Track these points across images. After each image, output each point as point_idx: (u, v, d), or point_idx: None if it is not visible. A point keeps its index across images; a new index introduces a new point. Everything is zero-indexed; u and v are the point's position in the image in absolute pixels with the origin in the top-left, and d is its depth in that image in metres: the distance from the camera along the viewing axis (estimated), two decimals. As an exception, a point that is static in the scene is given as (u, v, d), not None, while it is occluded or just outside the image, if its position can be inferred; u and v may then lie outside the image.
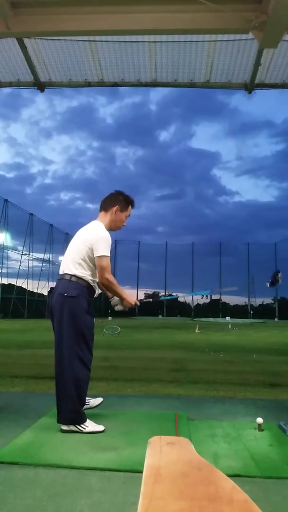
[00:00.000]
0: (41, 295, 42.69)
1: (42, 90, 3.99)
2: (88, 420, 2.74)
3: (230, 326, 26.46)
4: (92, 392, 3.42)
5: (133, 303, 2.95)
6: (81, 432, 2.66)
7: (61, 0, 2.66)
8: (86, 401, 3.02)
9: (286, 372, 5.83)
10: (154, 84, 3.93)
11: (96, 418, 2.96)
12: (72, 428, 2.68)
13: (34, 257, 41.24)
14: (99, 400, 3.08)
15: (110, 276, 2.81)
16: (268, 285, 3.26)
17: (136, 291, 59.78)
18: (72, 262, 2.84)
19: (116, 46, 3.61)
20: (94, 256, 2.79)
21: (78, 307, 2.75)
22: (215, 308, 57.56)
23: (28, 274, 39.99)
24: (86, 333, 2.78)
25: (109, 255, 2.82)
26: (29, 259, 40.16)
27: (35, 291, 42.38)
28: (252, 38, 3.15)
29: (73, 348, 2.72)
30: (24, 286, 39.67)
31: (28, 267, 40.16)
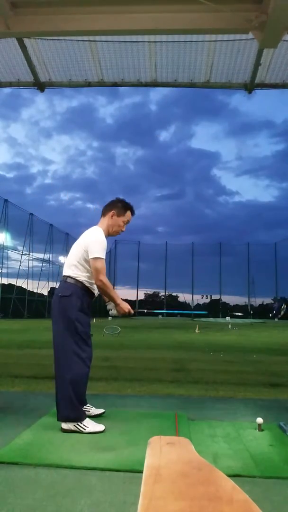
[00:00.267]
0: (41, 295, 42.74)
1: (42, 90, 3.99)
2: (88, 420, 2.74)
3: (230, 326, 26.46)
4: (92, 392, 3.42)
5: (127, 310, 2.97)
6: (81, 432, 2.66)
7: (61, 0, 2.66)
8: (88, 407, 3.04)
9: (286, 372, 5.84)
10: (154, 84, 3.93)
11: (96, 418, 2.96)
12: (71, 427, 2.68)
13: (34, 257, 41.26)
14: (100, 410, 3.08)
15: (104, 278, 2.85)
16: (270, 315, 3.25)
17: (136, 291, 59.88)
18: (69, 265, 2.98)
19: (116, 46, 3.61)
20: (89, 258, 2.87)
21: (70, 305, 2.82)
22: (215, 308, 57.58)
23: (28, 274, 40.03)
24: (80, 329, 2.80)
25: (103, 257, 2.88)
26: (29, 259, 40.19)
27: (35, 291, 42.42)
28: (252, 38, 3.15)
29: (69, 345, 2.76)
30: (24, 286, 39.73)
31: (28, 267, 40.19)
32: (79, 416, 2.71)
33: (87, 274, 2.91)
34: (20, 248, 38.96)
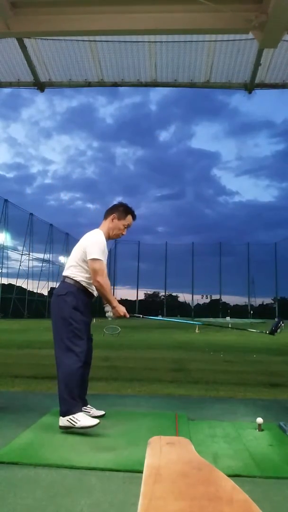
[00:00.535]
0: (41, 295, 42.72)
1: (42, 90, 3.99)
2: (81, 413, 2.71)
3: (230, 326, 26.46)
4: (92, 392, 3.42)
5: (122, 314, 2.99)
6: (73, 427, 2.63)
7: (61, 0, 2.66)
8: (88, 408, 3.03)
9: (286, 372, 5.84)
10: (154, 84, 3.93)
11: (96, 418, 2.96)
12: (66, 423, 2.66)
13: (34, 257, 41.24)
14: (100, 412, 3.06)
15: (101, 279, 2.87)
16: (267, 331, 3.26)
17: (136, 291, 59.85)
18: (68, 266, 3.03)
19: (116, 46, 3.61)
20: (88, 259, 2.90)
21: (65, 304, 2.86)
22: (215, 308, 57.57)
23: (28, 274, 40.01)
24: (74, 326, 2.81)
25: (102, 258, 2.91)
26: (29, 259, 40.16)
27: (35, 291, 42.40)
28: (252, 38, 3.14)
29: (63, 341, 2.80)
30: (24, 286, 39.71)
31: (28, 267, 40.17)
32: (70, 409, 2.68)
33: (86, 275, 2.94)
34: (20, 248, 38.97)
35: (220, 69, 3.74)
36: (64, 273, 3.01)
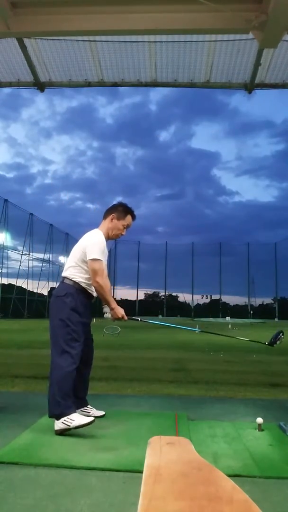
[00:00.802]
0: (41, 295, 42.74)
1: (42, 90, 3.99)
2: (75, 414, 2.68)
3: (230, 326, 26.45)
4: (92, 392, 3.42)
5: (120, 316, 2.96)
6: (69, 428, 2.60)
7: (61, 0, 2.66)
8: (88, 409, 3.03)
9: (286, 372, 5.84)
10: (154, 84, 3.94)
11: (96, 418, 2.96)
12: (61, 425, 2.62)
13: (34, 257, 41.27)
14: (101, 413, 3.06)
15: (101, 280, 2.84)
16: (266, 342, 3.27)
17: (136, 291, 59.87)
18: (68, 266, 3.00)
19: (116, 46, 3.61)
20: (87, 259, 2.88)
21: (63, 305, 2.83)
22: (215, 308, 57.58)
23: (28, 274, 40.05)
24: (71, 328, 2.77)
25: (101, 259, 2.88)
26: (29, 259, 40.20)
27: (35, 291, 42.43)
28: (252, 38, 3.15)
29: (59, 343, 2.76)
30: (24, 286, 39.75)
31: (28, 267, 40.22)
32: (63, 412, 2.65)
33: (86, 276, 2.91)
34: (20, 248, 39.01)
35: (220, 69, 3.75)
36: (63, 274, 2.99)
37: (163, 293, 63.75)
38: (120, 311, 2.97)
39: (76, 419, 2.63)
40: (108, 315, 3.03)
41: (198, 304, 62.91)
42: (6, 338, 11.85)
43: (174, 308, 60.41)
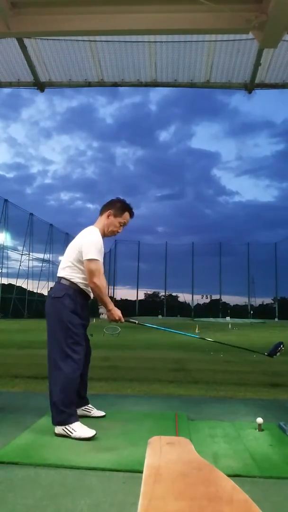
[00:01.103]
0: (41, 295, 42.72)
1: (42, 90, 3.99)
2: (78, 424, 2.62)
3: (230, 326, 26.45)
4: (92, 392, 3.42)
5: (117, 318, 2.88)
6: (69, 436, 2.55)
7: (61, 0, 2.66)
8: (89, 408, 3.01)
9: (286, 372, 5.83)
10: (154, 84, 3.93)
11: (96, 418, 2.96)
12: (61, 431, 2.58)
13: (34, 257, 41.31)
14: (101, 413, 3.03)
15: (98, 281, 2.76)
16: (266, 353, 3.28)
17: (136, 291, 59.84)
18: (63, 266, 2.89)
19: (116, 46, 3.61)
20: (84, 259, 2.78)
21: (62, 307, 2.73)
22: (215, 308, 57.58)
23: (28, 274, 40.10)
24: (73, 331, 2.70)
25: (98, 258, 2.79)
26: (29, 259, 40.26)
27: (35, 291, 42.48)
28: (252, 38, 3.15)
29: (61, 347, 2.67)
30: (24, 286, 39.79)
31: (28, 267, 40.27)
32: (66, 420, 2.59)
33: (82, 276, 2.82)
34: (20, 248, 39.05)
35: (220, 69, 3.74)
36: (60, 274, 2.87)
37: (163, 293, 63.82)
38: (117, 313, 2.88)
39: (78, 430, 2.57)
40: (104, 316, 2.96)
41: (198, 304, 62.98)
42: (6, 338, 11.85)
43: (174, 308, 60.40)
